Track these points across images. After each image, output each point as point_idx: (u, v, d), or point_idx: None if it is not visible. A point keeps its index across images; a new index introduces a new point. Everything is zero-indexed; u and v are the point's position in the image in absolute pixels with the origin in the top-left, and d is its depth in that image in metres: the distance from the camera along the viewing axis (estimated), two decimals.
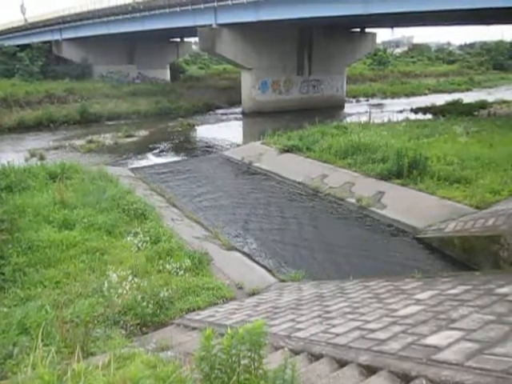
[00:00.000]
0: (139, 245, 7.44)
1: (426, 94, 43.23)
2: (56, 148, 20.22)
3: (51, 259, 6.77)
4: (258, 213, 10.87)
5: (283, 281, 7.04)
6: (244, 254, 8.33)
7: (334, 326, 3.87)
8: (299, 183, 12.86)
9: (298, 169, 13.60)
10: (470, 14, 21.68)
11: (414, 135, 15.26)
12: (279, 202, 11.60)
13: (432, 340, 3.05)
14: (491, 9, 17.88)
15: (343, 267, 7.78)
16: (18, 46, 41.75)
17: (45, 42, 41.57)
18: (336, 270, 7.67)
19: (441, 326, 3.31)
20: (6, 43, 43.72)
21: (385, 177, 11.31)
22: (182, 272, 6.54)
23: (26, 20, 47.00)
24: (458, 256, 7.79)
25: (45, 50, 40.34)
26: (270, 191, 12.63)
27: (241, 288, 6.45)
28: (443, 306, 3.84)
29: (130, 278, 6.06)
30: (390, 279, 5.67)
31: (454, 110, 24.37)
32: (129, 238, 7.71)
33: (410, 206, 9.91)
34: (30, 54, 38.46)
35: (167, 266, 6.64)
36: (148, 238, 7.63)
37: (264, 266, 7.79)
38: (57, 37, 41.35)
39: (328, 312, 4.42)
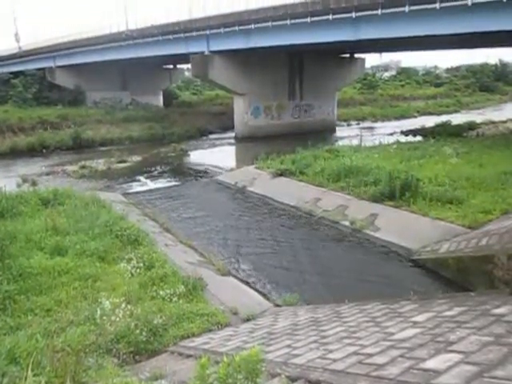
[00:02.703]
0: (132, 271, 7.35)
1: (415, 117, 43.95)
2: (48, 174, 20.15)
3: (42, 286, 6.65)
4: (252, 237, 10.82)
5: (278, 305, 6.96)
6: (239, 279, 8.25)
7: (330, 351, 3.82)
8: (293, 207, 12.87)
9: (292, 192, 13.64)
10: (455, 39, 22.28)
11: (405, 157, 15.44)
12: (273, 226, 11.58)
13: (431, 364, 3.01)
14: (475, 33, 18.39)
15: (338, 291, 7.72)
16: (11, 72, 42.08)
17: (39, 69, 41.95)
18: (331, 294, 7.61)
19: (439, 349, 3.28)
20: (0, 70, 44.08)
21: (378, 199, 11.36)
22: (175, 298, 6.46)
23: (20, 48, 47.51)
24: (453, 277, 7.78)
25: (38, 77, 40.68)
26: (263, 215, 12.62)
27: (236, 313, 6.37)
28: (440, 329, 3.81)
29: (123, 304, 5.96)
30: (385, 302, 5.63)
31: (444, 132, 24.76)
32: (122, 265, 7.62)
33: (404, 228, 9.93)
34: (24, 81, 38.75)
35: (161, 293, 6.55)
36: (141, 264, 7.55)
37: (259, 291, 7.72)
38: (50, 64, 41.77)
39: (324, 337, 4.36)
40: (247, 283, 8.08)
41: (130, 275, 7.26)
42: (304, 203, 12.69)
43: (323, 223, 11.45)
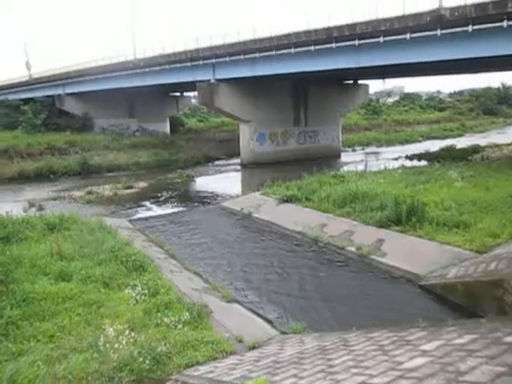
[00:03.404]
0: (137, 297, 7.29)
1: (419, 141, 44.17)
2: (55, 199, 20.30)
3: (46, 312, 6.60)
4: (257, 263, 10.74)
5: (284, 333, 6.84)
6: (244, 305, 8.15)
7: (338, 381, 3.73)
8: (299, 233, 12.80)
9: (297, 218, 13.59)
10: (457, 64, 22.56)
11: (410, 182, 15.40)
12: (279, 252, 11.50)
13: None
14: (477, 58, 18.64)
15: (345, 317, 7.59)
16: (22, 99, 42.99)
17: (48, 96, 42.83)
18: (338, 321, 7.48)
19: (449, 379, 3.19)
20: (11, 97, 45.05)
21: (384, 224, 11.29)
22: (180, 325, 6.37)
23: (30, 75, 48.65)
24: (463, 302, 7.64)
25: (48, 104, 41.47)
26: (269, 241, 12.55)
27: (241, 341, 6.26)
28: (450, 357, 3.71)
29: (127, 331, 5.89)
30: (393, 329, 5.52)
31: (449, 156, 24.80)
32: (127, 291, 7.56)
33: (411, 253, 9.82)
34: (34, 108, 39.51)
35: (165, 320, 6.47)
36: (146, 291, 7.49)
37: (265, 318, 7.60)
38: (60, 91, 42.65)
39: (331, 366, 4.27)
40: (253, 310, 7.97)
41: (134, 302, 7.19)
42: (310, 229, 12.62)
43: (329, 249, 11.36)
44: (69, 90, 41.87)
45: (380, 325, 6.29)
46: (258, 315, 7.74)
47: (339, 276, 9.76)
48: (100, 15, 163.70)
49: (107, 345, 5.50)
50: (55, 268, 8.12)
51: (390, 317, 7.51)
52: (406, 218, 10.96)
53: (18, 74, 53.57)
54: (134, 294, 7.37)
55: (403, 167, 21.09)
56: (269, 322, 7.44)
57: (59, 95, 42.46)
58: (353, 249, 10.87)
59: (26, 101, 41.88)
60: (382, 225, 11.32)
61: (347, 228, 11.95)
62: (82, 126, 39.26)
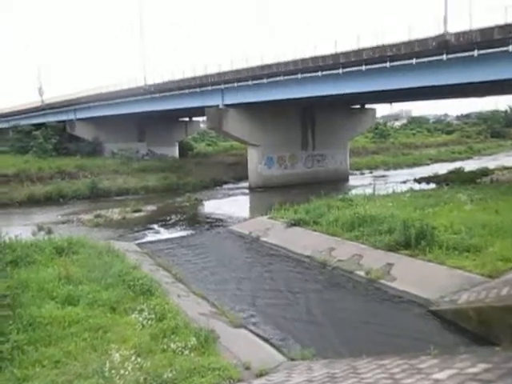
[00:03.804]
0: (144, 322, 7.22)
1: (427, 164, 44.11)
2: (64, 222, 20.42)
3: (52, 337, 6.55)
4: (265, 287, 10.64)
5: (293, 359, 6.71)
6: (251, 331, 8.03)
7: None
8: (307, 257, 12.70)
9: (306, 242, 13.51)
10: (463, 88, 22.70)
11: (419, 205, 15.29)
12: (287, 277, 11.39)
13: None
14: (483, 82, 18.75)
15: (355, 344, 7.44)
16: (33, 124, 43.84)
17: (59, 122, 43.65)
18: (347, 347, 7.33)
19: None
20: (23, 122, 45.98)
21: (393, 248, 11.17)
22: (187, 351, 6.27)
23: (42, 101, 49.71)
24: (475, 329, 7.45)
25: (59, 129, 42.25)
26: (277, 265, 12.46)
27: (248, 368, 6.14)
28: None
29: (133, 357, 5.81)
30: (404, 357, 5.39)
31: (457, 179, 24.69)
32: (133, 316, 7.50)
33: (421, 278, 9.67)
34: (45, 133, 40.24)
35: (172, 345, 6.38)
36: (153, 315, 7.42)
37: (272, 344, 7.48)
38: (71, 117, 43.47)
39: None
40: (260, 336, 7.85)
41: (141, 326, 7.12)
42: (318, 253, 12.52)
43: (338, 273, 11.23)
44: (80, 116, 42.66)
45: (390, 351, 6.16)
46: (266, 341, 7.62)
47: (348, 301, 9.62)
48: (111, 41, 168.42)
49: (113, 371, 5.42)
50: (62, 292, 8.10)
51: (400, 343, 7.35)
52: (415, 241, 10.85)
53: (30, 99, 54.75)
54: (140, 319, 7.31)
55: (412, 190, 20.99)
56: (277, 347, 7.31)
57: (70, 120, 43.27)
58: (362, 273, 10.74)
59: (38, 126, 42.71)
60: (391, 248, 11.20)
61: (356, 252, 11.84)
62: (92, 151, 39.85)
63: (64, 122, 43.57)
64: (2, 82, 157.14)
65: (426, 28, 19.03)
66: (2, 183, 28.27)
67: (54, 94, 49.85)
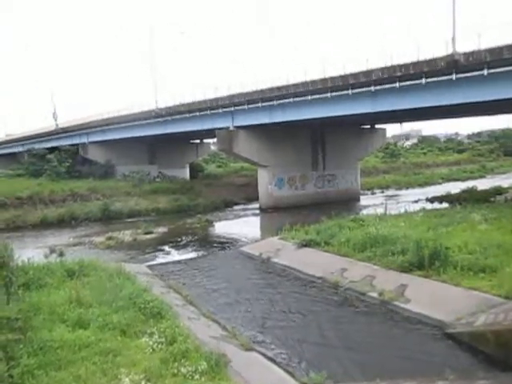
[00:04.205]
0: (154, 346, 7.14)
1: (439, 183, 43.74)
2: (76, 244, 20.55)
3: (62, 361, 6.50)
4: (276, 309, 10.51)
5: None
6: (263, 354, 7.90)
7: None
8: (318, 278, 12.56)
9: (317, 263, 13.38)
10: (474, 107, 22.63)
11: (432, 225, 15.09)
12: (298, 298, 11.25)
13: None
14: (494, 101, 18.68)
15: (368, 367, 7.27)
16: (48, 148, 44.62)
17: (73, 145, 44.39)
18: (361, 371, 7.16)
19: None
20: (38, 146, 46.85)
21: (406, 269, 11.01)
22: (197, 376, 6.17)
23: (57, 125, 50.73)
24: (493, 352, 7.23)
25: (72, 152, 42.94)
26: (288, 287, 12.33)
27: None
28: None
29: (143, 382, 5.74)
30: (420, 381, 5.25)
31: (470, 198, 24.40)
32: (144, 339, 7.43)
33: (436, 299, 9.48)
34: (58, 156, 40.91)
35: (182, 369, 6.29)
36: (163, 339, 7.34)
37: (284, 368, 7.34)
38: (84, 140, 44.21)
39: None
40: (272, 359, 7.72)
41: (151, 350, 7.05)
42: (330, 274, 12.37)
43: (350, 294, 11.07)
44: (92, 139, 43.38)
45: (405, 375, 6.00)
46: (278, 365, 7.48)
47: (361, 323, 9.44)
48: (123, 66, 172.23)
49: None
50: (73, 315, 8.08)
51: (415, 367, 7.16)
52: (428, 262, 10.68)
53: (44, 123, 55.89)
54: (150, 343, 7.23)
55: (424, 210, 20.76)
56: (288, 371, 7.17)
57: (83, 143, 44.00)
58: (375, 294, 10.56)
59: (52, 149, 43.46)
60: (404, 269, 11.04)
61: (368, 273, 11.68)
62: (104, 173, 40.33)
63: (77, 145, 44.33)
64: (16, 107, 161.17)
65: (434, 47, 18.90)
66: (16, 206, 28.62)
67: (67, 118, 50.76)
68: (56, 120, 51.38)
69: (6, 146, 63.15)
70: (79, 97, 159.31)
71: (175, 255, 18.02)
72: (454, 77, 18.26)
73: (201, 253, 18.34)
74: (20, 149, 53.17)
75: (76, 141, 45.10)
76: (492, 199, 24.36)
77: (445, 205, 25.19)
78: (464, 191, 29.72)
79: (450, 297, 9.31)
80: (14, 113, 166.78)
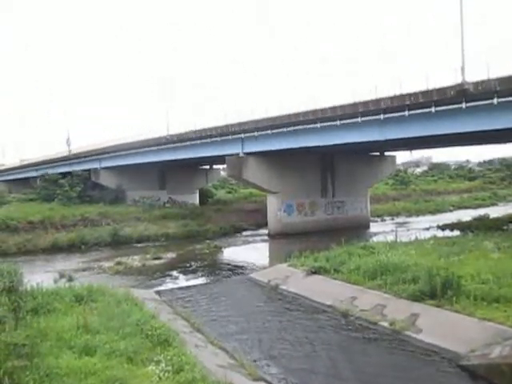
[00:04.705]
0: (161, 374, 7.03)
1: (450, 211, 43.36)
2: (85, 269, 20.58)
3: None
4: (284, 338, 10.33)
5: None
6: None
7: None
8: (328, 306, 12.37)
9: (326, 291, 13.21)
10: (484, 135, 22.62)
11: (443, 253, 14.89)
12: (307, 327, 11.07)
13: None
14: (504, 129, 18.66)
15: None
16: (60, 173, 45.24)
17: (85, 170, 44.98)
18: None
19: None
20: (51, 171, 47.53)
21: (417, 298, 10.82)
22: None
23: (70, 151, 51.61)
24: None
25: (84, 177, 43.45)
26: (297, 315, 12.15)
27: None
28: None
29: None
30: None
31: (482, 226, 24.09)
32: (150, 367, 7.33)
33: (448, 330, 9.27)
34: (70, 181, 41.40)
35: None
36: (170, 367, 7.22)
37: None
38: (96, 165, 44.80)
39: None
40: None
41: (158, 379, 6.94)
42: (340, 302, 12.19)
43: (360, 324, 10.86)
44: (104, 164, 43.96)
45: None
46: None
47: (372, 353, 9.23)
48: (135, 93, 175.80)
49: None
50: (80, 342, 8.02)
51: None
52: (440, 291, 10.49)
53: (58, 149, 56.91)
54: (157, 371, 7.12)
55: (435, 238, 20.53)
56: None
57: (95, 169, 44.58)
58: (386, 324, 10.36)
59: (64, 174, 44.05)
60: (415, 298, 10.85)
61: (379, 301, 11.49)
62: (114, 198, 40.66)
63: (89, 170, 44.92)
64: (32, 133, 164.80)
65: (444, 76, 19.08)
66: (27, 230, 28.87)
67: (80, 144, 51.72)
68: (69, 146, 52.32)
69: (20, 170, 64.21)
70: (93, 123, 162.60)
71: (183, 281, 17.94)
72: (463, 105, 18.33)
73: (209, 279, 18.24)
74: (34, 174, 53.97)
75: (88, 166, 45.73)
76: (505, 227, 24.01)
77: (456, 233, 24.89)
78: (476, 219, 29.39)
79: (464, 327, 9.10)
80: (30, 138, 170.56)
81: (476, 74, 17.89)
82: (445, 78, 19.08)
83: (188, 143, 33.63)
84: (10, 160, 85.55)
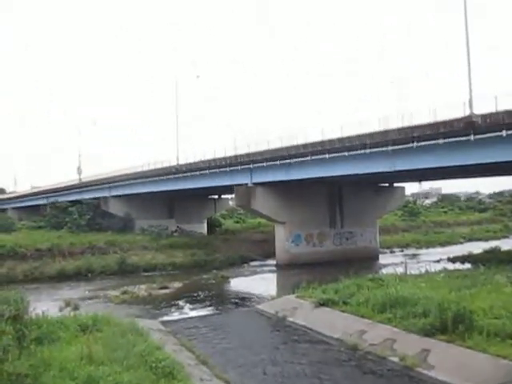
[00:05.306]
0: None
1: (461, 243, 42.84)
2: (91, 298, 20.50)
3: None
4: (291, 372, 10.07)
5: None
6: None
7: None
8: (336, 339, 12.10)
9: (335, 324, 12.95)
10: (493, 167, 22.53)
11: (454, 286, 14.57)
12: (315, 361, 10.79)
13: None
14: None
15: None
16: (70, 201, 45.69)
17: (94, 198, 45.39)
18: None
19: None
20: (61, 199, 48.04)
21: (428, 332, 10.53)
22: None
23: (80, 179, 52.32)
24: None
25: (93, 205, 43.82)
26: (304, 348, 11.87)
27: None
28: None
29: None
30: None
31: (494, 258, 23.71)
32: None
33: (461, 367, 8.97)
34: (80, 209, 41.75)
35: None
36: None
37: None
38: (105, 194, 45.22)
39: None
40: None
41: None
42: (348, 336, 11.92)
43: (370, 358, 10.57)
44: (114, 193, 44.38)
45: None
46: None
47: None
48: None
49: None
50: (83, 373, 7.88)
51: None
52: (452, 326, 10.22)
53: (69, 177, 57.76)
54: None
55: (446, 270, 20.17)
56: None
57: (105, 197, 44.97)
58: (396, 359, 10.07)
59: (74, 202, 44.46)
60: (426, 333, 10.56)
61: (388, 335, 11.21)
62: (123, 227, 40.84)
63: (99, 198, 45.31)
64: (44, 163, 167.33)
65: (452, 108, 19.13)
66: (35, 258, 28.97)
67: (91, 173, 52.55)
68: (80, 174, 53.08)
69: (30, 198, 65.01)
70: (103, 151, 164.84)
71: (189, 311, 17.75)
72: (472, 138, 18.38)
73: (216, 309, 18.03)
74: (44, 201, 54.61)
75: (98, 194, 46.18)
76: None
77: (467, 265, 24.49)
78: (487, 251, 28.95)
79: (477, 365, 8.81)
80: (41, 166, 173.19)
81: (483, 103, 18.03)
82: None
83: (197, 173, 33.93)
84: (22, 187, 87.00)
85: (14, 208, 72.21)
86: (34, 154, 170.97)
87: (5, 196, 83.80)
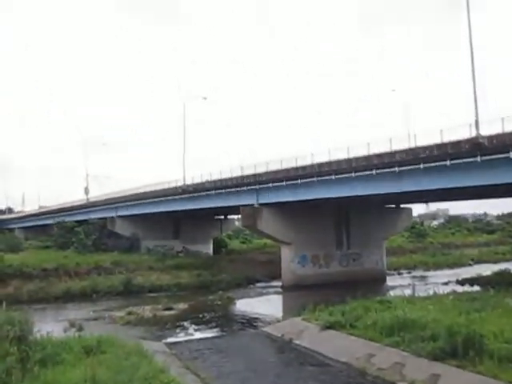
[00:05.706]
0: None
1: (470, 265, 42.32)
2: (96, 319, 20.37)
3: None
4: None
5: None
6: None
7: None
8: (343, 363, 11.87)
9: (342, 347, 12.73)
10: (501, 189, 22.36)
11: (463, 309, 14.31)
12: None
13: None
14: None
15: None
16: (77, 221, 45.89)
17: (101, 218, 45.56)
18: None
19: None
20: (68, 219, 48.27)
21: (437, 357, 10.31)
22: None
23: (87, 200, 52.64)
24: None
25: (99, 226, 43.95)
26: (311, 371, 11.64)
27: None
28: None
29: None
30: None
31: (503, 281, 23.38)
32: None
33: None
34: (86, 229, 41.90)
35: None
36: None
37: None
38: (112, 214, 45.40)
39: None
40: None
41: None
42: (356, 360, 11.70)
43: (379, 383, 10.34)
44: (121, 213, 44.55)
45: None
46: None
47: None
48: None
49: None
50: None
51: None
52: (462, 350, 10.00)
53: (77, 196, 58.18)
54: None
55: (454, 293, 19.85)
56: None
57: (111, 217, 45.13)
58: None
59: (81, 222, 44.65)
60: (435, 357, 10.34)
61: (397, 360, 10.98)
62: (129, 247, 40.87)
63: (105, 218, 45.49)
64: (51, 182, 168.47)
65: (458, 128, 19.14)
66: (41, 278, 28.93)
67: (98, 193, 52.84)
68: (87, 195, 53.45)
69: (38, 218, 65.44)
70: (110, 172, 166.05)
71: (194, 333, 17.56)
72: (479, 159, 18.34)
73: (221, 332, 17.81)
74: (51, 221, 54.95)
75: (105, 214, 46.39)
76: None
77: (476, 288, 24.09)
78: (496, 273, 28.54)
79: None
80: (49, 186, 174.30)
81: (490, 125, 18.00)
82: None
83: (203, 193, 34.03)
84: (30, 208, 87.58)
85: (20, 228, 72.64)
86: (43, 167, 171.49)
87: (12, 215, 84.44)
